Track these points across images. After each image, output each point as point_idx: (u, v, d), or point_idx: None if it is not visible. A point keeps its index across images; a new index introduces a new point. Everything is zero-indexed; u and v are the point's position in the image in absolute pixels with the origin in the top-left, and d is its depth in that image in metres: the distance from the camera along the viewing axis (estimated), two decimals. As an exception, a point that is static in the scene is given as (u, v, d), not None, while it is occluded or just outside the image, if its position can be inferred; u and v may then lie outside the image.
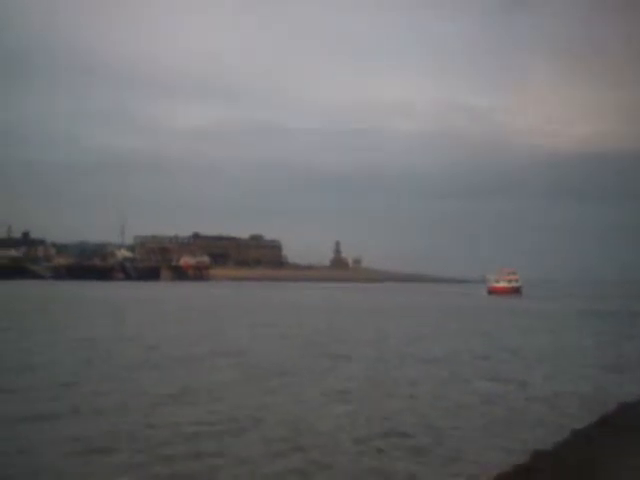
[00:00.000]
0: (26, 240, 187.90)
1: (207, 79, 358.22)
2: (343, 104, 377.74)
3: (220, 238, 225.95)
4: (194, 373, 21.47)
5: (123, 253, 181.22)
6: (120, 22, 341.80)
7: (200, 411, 15.64)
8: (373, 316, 52.45)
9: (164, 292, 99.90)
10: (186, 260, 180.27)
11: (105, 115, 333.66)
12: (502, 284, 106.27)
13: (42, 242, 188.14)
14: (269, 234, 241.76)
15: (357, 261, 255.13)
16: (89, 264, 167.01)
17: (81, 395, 17.18)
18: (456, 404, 17.29)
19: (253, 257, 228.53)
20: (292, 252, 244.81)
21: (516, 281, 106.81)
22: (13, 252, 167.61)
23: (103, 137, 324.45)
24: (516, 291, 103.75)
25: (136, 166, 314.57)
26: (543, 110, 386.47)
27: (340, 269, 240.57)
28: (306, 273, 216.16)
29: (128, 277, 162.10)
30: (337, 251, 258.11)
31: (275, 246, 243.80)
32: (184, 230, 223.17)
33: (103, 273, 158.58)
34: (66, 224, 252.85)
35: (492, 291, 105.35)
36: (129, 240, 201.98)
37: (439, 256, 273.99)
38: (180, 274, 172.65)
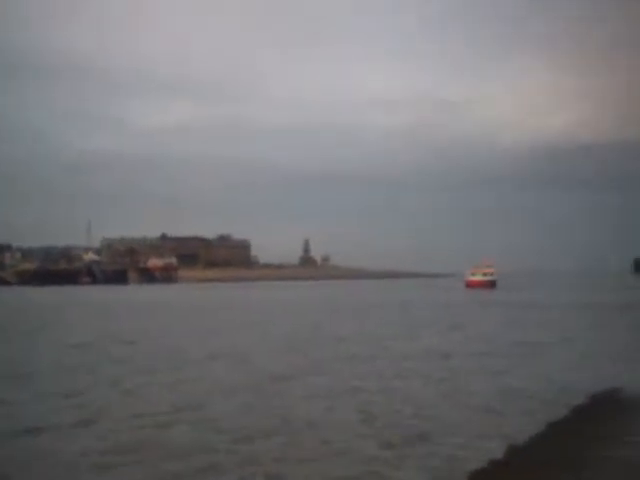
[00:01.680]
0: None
1: (173, 76, 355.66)
2: (311, 100, 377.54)
3: (188, 239, 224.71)
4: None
5: (90, 256, 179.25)
6: (83, 21, 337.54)
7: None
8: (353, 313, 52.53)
9: (134, 296, 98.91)
10: (154, 262, 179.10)
11: (70, 114, 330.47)
12: (478, 277, 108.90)
13: (9, 247, 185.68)
14: (238, 234, 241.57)
15: (326, 259, 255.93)
16: (55, 268, 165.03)
17: (78, 406, 16.62)
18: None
19: (222, 257, 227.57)
20: (262, 251, 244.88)
21: (491, 274, 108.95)
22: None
23: (69, 136, 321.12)
24: (492, 285, 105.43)
25: (102, 166, 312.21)
26: (523, 101, 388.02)
27: (309, 267, 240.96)
28: (276, 272, 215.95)
29: (95, 281, 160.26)
30: (306, 249, 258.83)
31: (244, 246, 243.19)
32: (152, 231, 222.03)
33: (69, 277, 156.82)
34: (31, 228, 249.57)
35: (469, 284, 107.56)
36: (97, 243, 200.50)
37: (412, 252, 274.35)
38: (148, 276, 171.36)
